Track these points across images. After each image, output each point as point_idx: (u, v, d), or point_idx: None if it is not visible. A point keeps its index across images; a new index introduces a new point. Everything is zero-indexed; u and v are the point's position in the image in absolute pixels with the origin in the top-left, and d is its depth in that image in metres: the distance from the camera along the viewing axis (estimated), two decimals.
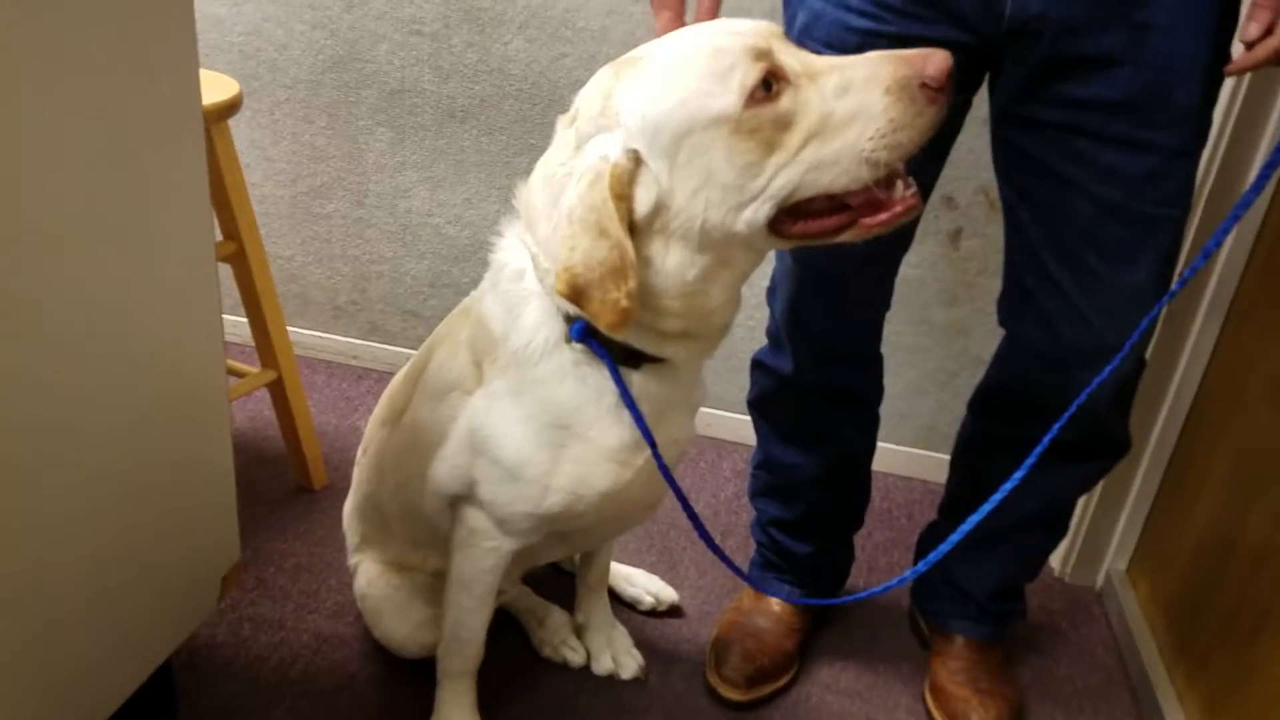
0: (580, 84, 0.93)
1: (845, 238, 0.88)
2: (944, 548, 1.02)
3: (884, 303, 1.28)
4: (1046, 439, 1.03)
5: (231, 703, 1.25)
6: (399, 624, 1.28)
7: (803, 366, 1.28)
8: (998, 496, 1.00)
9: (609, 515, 1.09)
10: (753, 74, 0.80)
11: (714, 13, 1.05)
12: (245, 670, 1.31)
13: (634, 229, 0.85)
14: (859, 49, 0.89)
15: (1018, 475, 1.01)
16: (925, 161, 1.15)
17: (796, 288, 1.24)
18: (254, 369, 1.64)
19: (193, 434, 1.03)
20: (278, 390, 1.66)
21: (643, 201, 0.84)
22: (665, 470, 1.00)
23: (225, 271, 1.30)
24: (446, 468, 1.07)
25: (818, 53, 1.04)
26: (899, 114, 0.80)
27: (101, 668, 0.97)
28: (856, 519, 1.47)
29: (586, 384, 0.96)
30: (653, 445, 0.97)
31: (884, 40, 1.00)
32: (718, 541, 1.68)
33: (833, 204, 0.86)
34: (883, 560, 1.71)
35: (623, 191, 0.83)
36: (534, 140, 1.88)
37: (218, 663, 1.32)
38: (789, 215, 0.86)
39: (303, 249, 2.12)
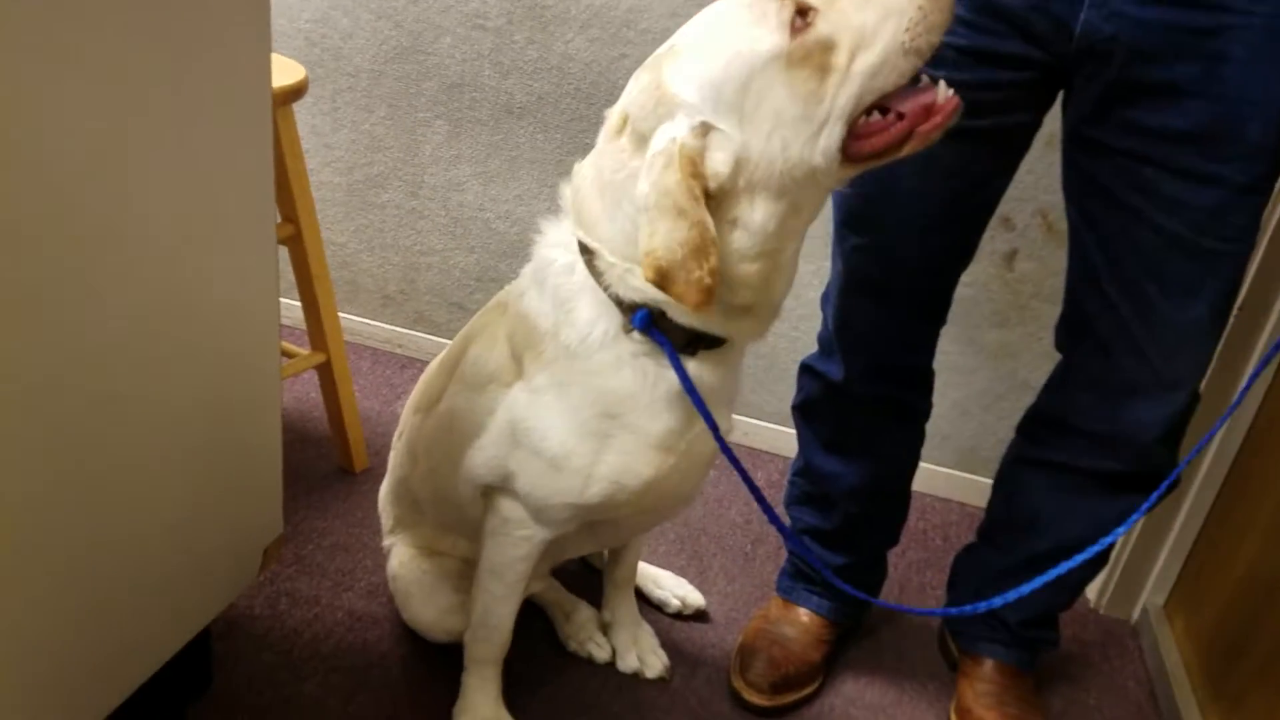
0: None
1: (909, 148, 0.90)
2: (1000, 600, 1.01)
3: (939, 317, 1.27)
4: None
5: (265, 673, 1.28)
6: (426, 608, 1.30)
7: (852, 375, 1.28)
8: (1080, 558, 1.01)
9: (646, 507, 1.09)
10: (786, 8, 0.85)
11: None
12: (279, 643, 1.34)
13: (716, 200, 0.88)
14: (932, 61, 0.89)
15: (1113, 535, 1.01)
16: (991, 176, 1.15)
17: (849, 295, 1.24)
18: (303, 351, 1.67)
19: (245, 410, 1.06)
20: (325, 373, 1.69)
21: (721, 163, 0.87)
22: (728, 451, 1.01)
23: (281, 254, 1.32)
24: (483, 458, 1.09)
25: None
26: (925, 1, 0.84)
27: (145, 630, 1.00)
28: (893, 536, 1.46)
29: (644, 374, 0.98)
30: (713, 426, 0.98)
31: (951, 51, 1.00)
32: (748, 551, 1.70)
33: (889, 120, 0.89)
34: (915, 580, 1.69)
35: (695, 170, 0.85)
36: (589, 140, 1.88)
37: (254, 634, 1.34)
38: (855, 138, 0.89)
39: (356, 236, 2.15)
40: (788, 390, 1.98)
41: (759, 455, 2.01)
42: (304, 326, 1.67)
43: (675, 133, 0.86)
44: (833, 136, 0.87)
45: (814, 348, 1.39)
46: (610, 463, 1.01)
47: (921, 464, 1.43)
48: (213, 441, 1.01)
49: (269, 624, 1.37)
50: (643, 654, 1.39)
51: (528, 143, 1.94)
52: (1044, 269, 1.77)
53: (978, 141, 1.09)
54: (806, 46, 0.84)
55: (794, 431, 1.98)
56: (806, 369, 1.37)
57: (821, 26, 0.84)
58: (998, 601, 1.02)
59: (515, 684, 1.31)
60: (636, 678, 1.38)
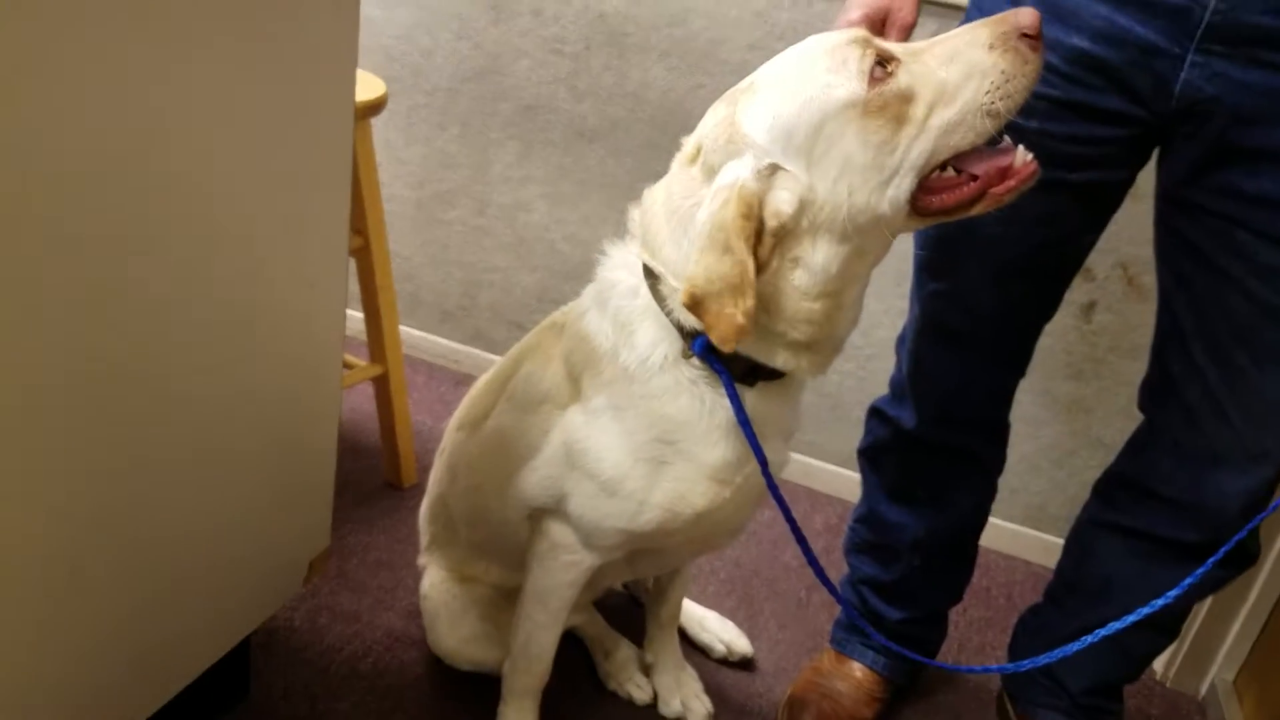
0: None
1: (979, 209, 0.90)
2: (1048, 656, 0.96)
3: (1018, 369, 1.23)
4: None
5: (301, 688, 1.26)
6: (449, 634, 1.28)
7: (925, 423, 1.24)
8: (1133, 617, 0.95)
9: (695, 536, 1.08)
10: (868, 58, 0.86)
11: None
12: (318, 658, 1.32)
13: (778, 238, 0.87)
14: (1020, 111, 0.86)
15: (1167, 598, 0.96)
16: (1079, 231, 1.11)
17: (925, 340, 1.20)
18: (362, 361, 1.67)
19: (304, 418, 1.05)
20: (382, 386, 1.69)
21: (785, 203, 0.87)
22: (775, 490, 0.99)
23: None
24: (536, 478, 1.07)
25: None
26: (1008, 64, 0.85)
27: (188, 635, 0.99)
28: (956, 593, 1.40)
29: (701, 400, 0.97)
30: (763, 463, 0.97)
31: (1045, 102, 0.98)
32: (801, 598, 1.64)
33: (962, 179, 0.89)
34: (975, 640, 1.62)
35: (749, 212, 0.85)
36: (659, 167, 1.85)
37: (293, 647, 1.33)
38: (925, 192, 0.88)
39: (421, 250, 2.17)
40: (850, 432, 1.93)
41: (818, 497, 1.96)
42: (363, 338, 1.67)
43: (740, 172, 0.87)
44: (901, 188, 0.87)
45: (880, 389, 1.35)
46: (665, 490, 0.99)
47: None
48: (270, 449, 1.01)
49: (309, 638, 1.35)
50: (686, 699, 1.35)
51: (598, 167, 1.94)
52: (1123, 323, 1.71)
53: (1067, 195, 1.06)
54: (884, 97, 0.85)
55: (856, 475, 1.93)
56: (876, 413, 1.33)
57: (902, 78, 0.85)
58: (1048, 658, 0.97)
59: (554, 718, 1.28)
60: None
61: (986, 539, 1.85)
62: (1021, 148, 0.89)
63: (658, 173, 1.71)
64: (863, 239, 0.89)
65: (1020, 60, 0.85)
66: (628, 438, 0.99)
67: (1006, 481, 1.82)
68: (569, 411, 1.03)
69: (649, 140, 1.88)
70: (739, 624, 1.51)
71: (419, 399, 2.05)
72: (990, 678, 1.48)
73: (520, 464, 1.08)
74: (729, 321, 0.85)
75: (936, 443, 1.25)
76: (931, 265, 1.16)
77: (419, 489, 1.72)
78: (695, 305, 0.87)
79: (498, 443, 1.13)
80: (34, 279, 0.68)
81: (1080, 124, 1.02)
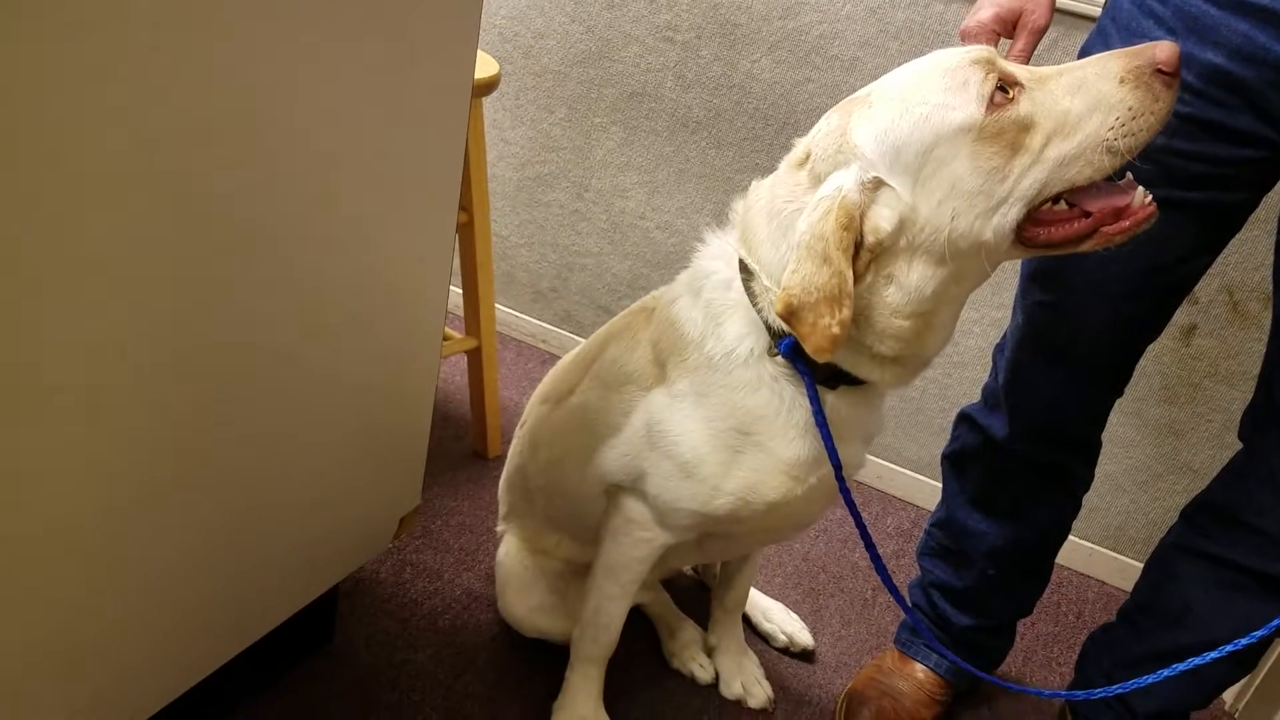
0: (820, 110, 0.95)
1: (1087, 246, 0.88)
2: (1123, 686, 0.94)
3: (1116, 388, 1.20)
4: None
5: (382, 638, 1.33)
6: (518, 602, 1.32)
7: (1016, 434, 1.22)
8: (1218, 653, 0.92)
9: (767, 525, 1.09)
10: (989, 82, 0.84)
11: (1027, 55, 1.07)
12: (399, 610, 1.39)
13: (875, 254, 0.88)
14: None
15: (1254, 636, 0.93)
16: (1195, 252, 1.08)
17: (1025, 351, 1.18)
18: (457, 335, 1.74)
19: (403, 384, 1.11)
20: (475, 359, 1.75)
21: (885, 220, 0.87)
22: (847, 494, 1.00)
23: None
24: (616, 455, 1.10)
25: None
26: (1137, 101, 0.82)
27: (282, 580, 1.05)
28: (1027, 605, 1.39)
29: (780, 397, 0.98)
30: (837, 467, 0.98)
31: (1174, 119, 0.96)
32: (868, 598, 1.65)
33: (1074, 213, 0.88)
34: (1041, 654, 1.61)
35: (850, 224, 0.85)
36: (760, 160, 1.89)
37: (377, 598, 1.40)
38: (1032, 223, 0.87)
39: (518, 230, 2.22)
40: (930, 438, 1.93)
41: (891, 500, 1.96)
42: (459, 312, 1.73)
43: (844, 183, 0.87)
44: (1008, 216, 0.86)
45: (963, 398, 1.34)
46: (739, 478, 1.01)
47: None
48: (371, 411, 1.06)
49: (392, 590, 1.42)
50: (747, 683, 1.37)
51: (698, 157, 1.96)
52: (1223, 349, 1.66)
53: (1187, 214, 1.03)
54: (1001, 123, 0.84)
55: (930, 481, 1.93)
56: (966, 419, 1.32)
57: (1023, 105, 0.84)
58: (1125, 687, 0.95)
59: (617, 690, 1.32)
60: (738, 705, 1.36)
61: (1062, 556, 1.82)
62: (1141, 189, 0.86)
63: (758, 166, 1.72)
64: (961, 264, 0.88)
65: (1150, 97, 0.82)
66: (707, 424, 1.01)
67: (1088, 500, 1.78)
68: (653, 393, 1.06)
69: (751, 133, 1.89)
70: (803, 617, 1.53)
71: (506, 375, 2.10)
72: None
73: (601, 441, 1.12)
74: (824, 333, 0.86)
75: (1026, 455, 1.24)
76: (1040, 276, 1.15)
77: (502, 460, 1.78)
78: (790, 315, 0.87)
79: (581, 419, 1.16)
80: (169, 236, 0.74)
81: (1209, 143, 0.99)
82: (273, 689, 1.21)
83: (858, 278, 0.87)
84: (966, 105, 0.84)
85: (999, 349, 1.26)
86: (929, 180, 0.85)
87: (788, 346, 0.95)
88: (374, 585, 1.42)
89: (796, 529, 1.17)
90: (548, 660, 1.33)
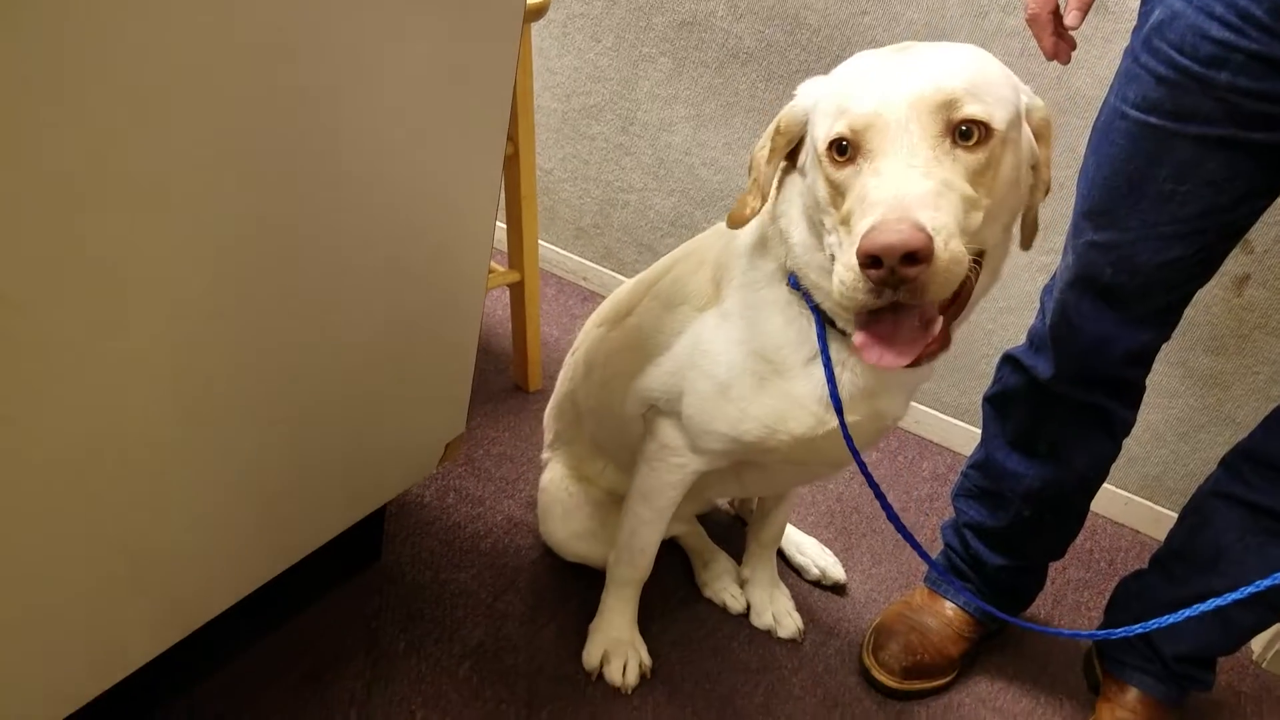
0: (875, 44, 0.94)
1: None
2: (1143, 626, 0.93)
3: (1164, 331, 1.19)
4: None
5: (427, 557, 1.38)
6: (560, 527, 1.36)
7: (1061, 375, 1.22)
8: (1243, 593, 0.90)
9: (797, 459, 1.10)
10: (833, 132, 0.84)
11: (1080, 17, 1.07)
12: (444, 533, 1.43)
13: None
14: (1212, 61, 0.82)
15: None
16: (1253, 194, 1.05)
17: (1075, 291, 1.17)
18: (501, 268, 1.75)
19: (451, 313, 1.13)
20: (517, 292, 1.76)
21: (800, 156, 0.95)
22: (850, 442, 1.00)
23: None
24: (661, 374, 1.12)
25: (1167, 57, 0.99)
26: (850, 260, 0.78)
27: (334, 498, 1.09)
28: (1060, 548, 1.40)
29: (791, 327, 1.00)
30: (839, 411, 0.98)
31: (1240, 55, 0.93)
32: (899, 538, 1.67)
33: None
34: (1071, 598, 1.62)
35: (781, 129, 0.94)
36: None
37: (422, 520, 1.44)
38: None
39: (562, 164, 2.21)
40: (972, 384, 1.93)
41: (928, 446, 1.96)
42: (503, 246, 1.74)
43: (803, 94, 0.95)
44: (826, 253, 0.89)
45: (1009, 343, 1.34)
46: (763, 404, 1.02)
47: None
48: (420, 338, 1.09)
49: (436, 514, 1.47)
50: (778, 613, 1.41)
51: (748, 90, 1.93)
52: (1276, 300, 1.63)
53: (1248, 155, 1.01)
54: (829, 170, 0.85)
55: (968, 426, 1.94)
56: (1010, 360, 1.31)
57: (842, 174, 0.85)
58: (1154, 624, 0.93)
59: (652, 615, 1.36)
60: (769, 634, 1.39)
61: (1097, 504, 1.83)
62: (858, 335, 0.83)
63: None
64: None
65: (855, 278, 0.78)
66: (740, 345, 1.03)
67: (1127, 449, 1.79)
68: (705, 314, 1.07)
69: (804, 65, 1.85)
70: (835, 555, 1.55)
71: (547, 311, 2.12)
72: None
73: (650, 359, 1.14)
74: (739, 209, 0.96)
75: (1069, 396, 1.24)
76: (1093, 215, 1.13)
77: (543, 394, 1.81)
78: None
79: (635, 338, 1.18)
80: (231, 157, 0.76)
81: (1274, 81, 0.96)
82: (326, 600, 1.26)
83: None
84: (823, 135, 0.85)
85: (1047, 290, 1.25)
86: (811, 156, 0.90)
87: (794, 282, 0.97)
88: (419, 509, 1.47)
89: (831, 467, 1.17)
90: (585, 584, 1.37)
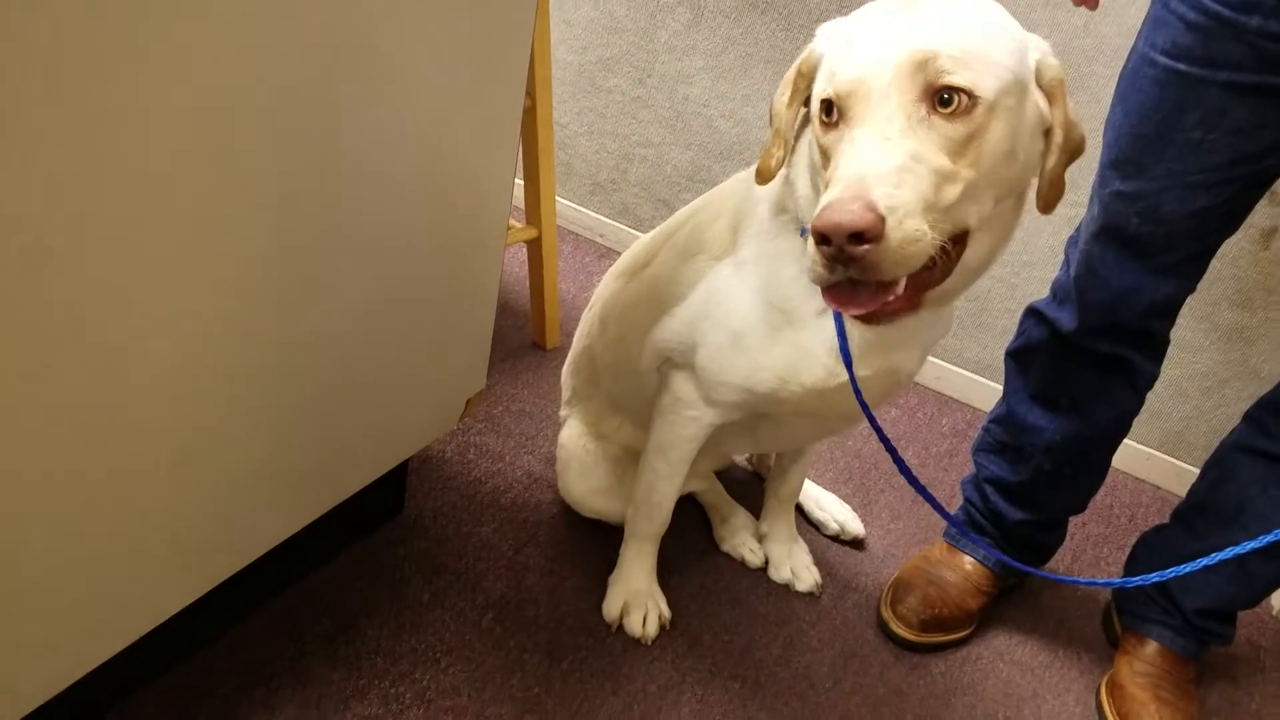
0: None
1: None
2: (1159, 575, 0.92)
3: (1189, 282, 1.18)
4: None
5: (449, 510, 1.39)
6: (578, 482, 1.37)
7: (1085, 327, 1.21)
8: (1274, 536, 0.88)
9: (810, 411, 1.10)
10: (823, 92, 0.83)
11: None
12: (465, 488, 1.44)
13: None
14: (1243, 6, 0.78)
15: None
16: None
17: (1100, 242, 1.16)
18: (518, 224, 1.75)
19: (471, 268, 1.13)
20: (535, 249, 1.76)
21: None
22: (860, 397, 1.00)
23: None
24: (676, 324, 1.12)
25: (1197, 2, 0.99)
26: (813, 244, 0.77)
27: (358, 452, 1.10)
28: (1080, 502, 1.40)
29: (804, 278, 0.99)
30: (849, 365, 0.97)
31: (1274, 1, 0.89)
32: (915, 494, 1.67)
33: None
34: (1090, 553, 1.63)
35: (803, 70, 0.91)
36: None
37: (444, 475, 1.46)
38: None
39: (578, 119, 2.19)
40: (993, 339, 1.92)
41: (948, 402, 1.96)
42: (519, 203, 1.74)
43: (824, 36, 0.92)
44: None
45: (1032, 297, 1.32)
46: (776, 355, 1.02)
47: None
48: (440, 293, 1.09)
49: (457, 469, 1.48)
50: (796, 568, 1.42)
51: (767, 40, 1.89)
52: None
53: (1278, 102, 0.99)
54: (820, 129, 0.85)
55: (989, 383, 1.93)
56: (1033, 313, 1.30)
57: (829, 137, 0.83)
58: (1171, 573, 0.92)
59: (671, 569, 1.37)
60: (787, 589, 1.41)
61: (1118, 459, 1.83)
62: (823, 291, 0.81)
63: None
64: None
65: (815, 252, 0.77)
66: (755, 294, 1.02)
67: (1149, 404, 1.77)
68: (721, 263, 1.07)
69: (824, 14, 1.81)
70: (854, 510, 1.56)
71: (563, 268, 2.12)
72: (1101, 589, 1.49)
73: (665, 310, 1.14)
74: (766, 160, 0.95)
75: (1092, 349, 1.23)
76: (1119, 164, 1.11)
77: (560, 351, 1.82)
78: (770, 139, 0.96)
79: (651, 289, 1.18)
80: (257, 114, 0.75)
81: None
82: (351, 551, 1.28)
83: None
84: (818, 94, 0.85)
85: (1072, 242, 1.24)
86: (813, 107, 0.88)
87: (806, 231, 0.96)
88: (441, 464, 1.48)
89: (845, 421, 1.17)
90: (604, 538, 1.38)
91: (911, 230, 0.73)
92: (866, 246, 0.72)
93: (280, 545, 1.04)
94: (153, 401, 0.78)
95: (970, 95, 0.77)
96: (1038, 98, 0.84)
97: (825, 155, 0.83)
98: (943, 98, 0.77)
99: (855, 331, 0.98)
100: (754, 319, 1.02)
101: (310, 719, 1.06)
